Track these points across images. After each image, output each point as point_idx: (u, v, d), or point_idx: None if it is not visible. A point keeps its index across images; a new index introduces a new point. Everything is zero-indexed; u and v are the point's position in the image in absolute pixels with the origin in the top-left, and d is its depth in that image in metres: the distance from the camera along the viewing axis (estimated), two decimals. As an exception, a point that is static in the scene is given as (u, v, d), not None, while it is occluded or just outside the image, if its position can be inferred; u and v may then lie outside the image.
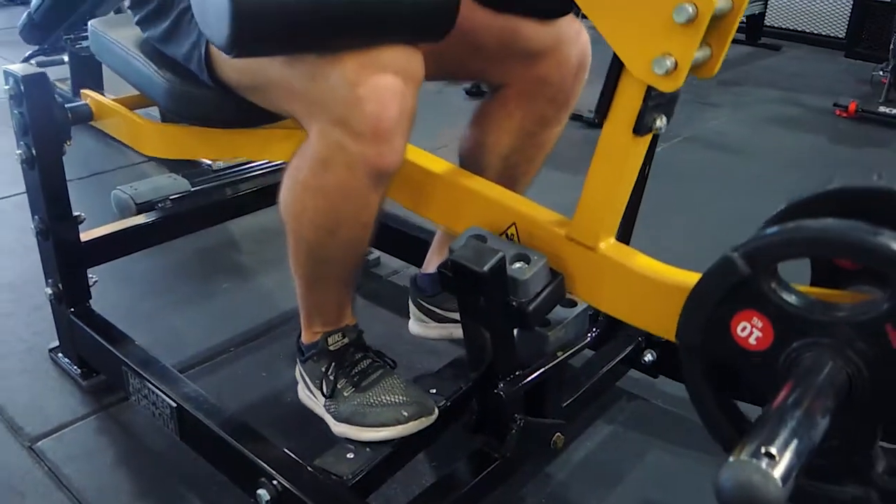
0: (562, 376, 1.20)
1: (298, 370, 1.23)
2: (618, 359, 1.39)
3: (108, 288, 1.50)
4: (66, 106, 1.28)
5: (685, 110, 3.14)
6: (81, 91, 1.36)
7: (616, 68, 0.90)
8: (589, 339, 1.23)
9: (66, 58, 2.87)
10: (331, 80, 0.91)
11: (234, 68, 1.06)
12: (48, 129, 1.25)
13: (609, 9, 0.86)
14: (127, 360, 1.27)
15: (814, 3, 4.77)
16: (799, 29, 4.84)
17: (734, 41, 3.40)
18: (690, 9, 0.80)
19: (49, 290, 1.39)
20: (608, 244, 1.01)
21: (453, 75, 1.25)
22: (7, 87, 1.24)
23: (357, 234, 1.05)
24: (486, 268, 0.92)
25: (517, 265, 0.98)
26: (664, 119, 0.93)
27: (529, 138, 1.24)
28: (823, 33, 4.77)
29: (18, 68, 1.23)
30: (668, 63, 0.83)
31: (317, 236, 1.04)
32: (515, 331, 1.06)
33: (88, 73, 2.73)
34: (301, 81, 0.96)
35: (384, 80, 0.90)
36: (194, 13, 0.95)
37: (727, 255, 0.81)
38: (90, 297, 1.41)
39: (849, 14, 4.55)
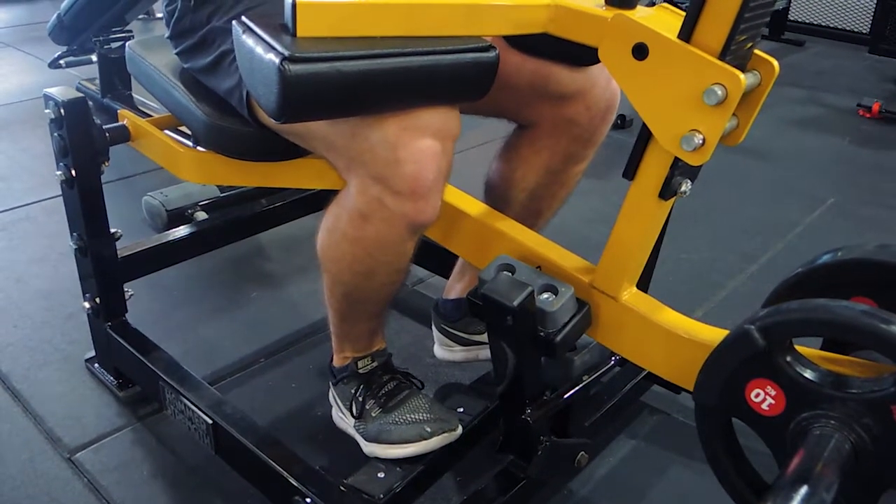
0: (587, 397, 1.22)
1: (331, 393, 1.26)
2: (641, 375, 1.41)
3: (142, 296, 1.54)
4: (104, 128, 1.31)
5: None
6: (119, 111, 1.39)
7: (645, 135, 0.93)
8: (613, 361, 1.26)
9: (94, 58, 2.91)
10: (372, 140, 0.94)
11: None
12: (87, 152, 1.28)
13: (642, 85, 0.88)
14: (163, 376, 1.31)
15: (838, -4, 4.73)
16: (823, 24, 4.80)
17: None
18: (720, 91, 0.82)
19: (87, 305, 1.43)
20: (630, 294, 1.05)
21: (483, 112, 1.28)
22: (47, 110, 1.27)
23: (393, 279, 1.10)
24: (515, 303, 0.95)
25: (545, 296, 1.01)
26: (689, 183, 0.96)
27: (555, 175, 1.27)
28: (847, 28, 4.74)
29: (59, 92, 1.26)
30: (697, 140, 0.85)
31: (354, 280, 1.08)
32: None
33: (117, 74, 2.77)
34: (342, 139, 0.99)
35: (423, 142, 0.94)
36: (242, 76, 0.97)
37: (745, 327, 0.85)
38: (126, 311, 1.45)
39: (873, 9, 4.51)
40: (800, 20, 4.78)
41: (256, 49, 0.87)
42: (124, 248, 1.45)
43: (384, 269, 1.07)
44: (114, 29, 2.76)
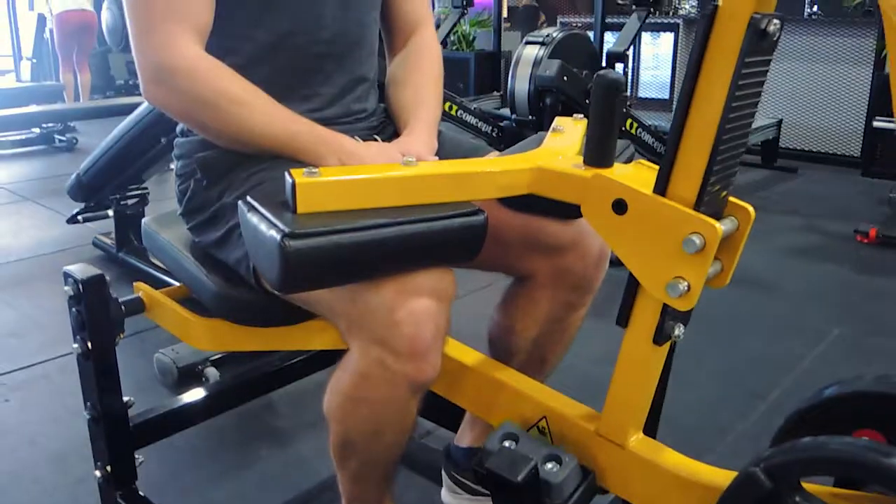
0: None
1: None
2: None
3: (152, 458, 1.54)
4: (120, 301, 1.37)
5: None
6: (134, 284, 1.44)
7: (633, 283, 0.97)
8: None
9: (110, 213, 3.03)
10: (370, 305, 0.98)
11: None
12: (104, 326, 1.33)
13: (625, 238, 0.93)
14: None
15: (827, 123, 4.91)
16: (814, 150, 4.96)
17: (750, 165, 3.60)
18: (698, 240, 0.86)
19: (98, 473, 1.44)
20: (636, 440, 1.05)
21: (480, 268, 1.33)
22: (66, 287, 1.32)
23: (399, 439, 1.11)
24: (519, 478, 0.96)
25: (549, 466, 1.02)
26: (682, 327, 0.99)
27: (557, 323, 1.30)
28: (839, 153, 4.89)
29: (78, 270, 1.31)
30: (682, 287, 0.89)
31: (362, 440, 1.10)
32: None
33: (132, 229, 2.88)
34: (342, 304, 1.03)
35: (420, 303, 0.97)
36: (247, 248, 1.03)
37: (750, 469, 0.85)
38: (136, 478, 1.46)
39: (862, 133, 4.66)
40: (791, 147, 4.94)
41: (260, 226, 0.92)
42: (136, 414, 1.47)
43: (390, 429, 1.09)
44: (130, 186, 2.89)
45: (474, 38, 7.18)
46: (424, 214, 0.96)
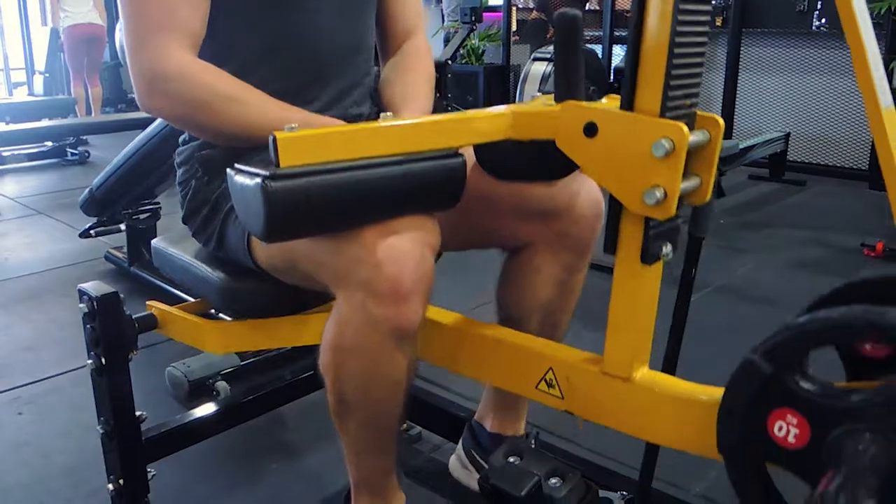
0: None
1: None
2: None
3: (163, 472, 1.57)
4: (133, 318, 1.40)
5: (714, 257, 3.22)
6: (147, 302, 1.47)
7: (616, 208, 0.99)
8: (627, 538, 1.27)
9: (122, 227, 3.06)
10: (353, 250, 1.00)
11: (269, 254, 1.19)
12: (117, 343, 1.36)
13: (598, 158, 0.96)
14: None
15: (835, 135, 4.92)
16: (822, 163, 4.97)
17: (759, 178, 3.62)
18: (667, 143, 0.89)
19: (110, 487, 1.47)
20: (642, 373, 1.05)
21: (478, 242, 1.34)
22: (81, 304, 1.35)
23: (389, 393, 1.10)
24: (523, 493, 0.99)
25: (553, 481, 1.04)
26: (669, 246, 1.01)
27: (561, 286, 1.31)
28: (847, 166, 4.89)
29: (93, 288, 1.35)
30: (658, 194, 0.91)
31: (354, 396, 1.10)
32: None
33: (144, 244, 2.91)
34: (327, 255, 1.05)
35: (401, 243, 0.99)
36: (236, 210, 1.03)
37: (747, 357, 0.84)
38: (148, 492, 1.48)
39: (870, 146, 4.67)
40: (799, 160, 4.95)
41: (246, 182, 0.94)
42: (149, 428, 1.50)
43: (379, 384, 1.08)
44: (143, 201, 2.93)
45: (483, 52, 7.23)
46: (404, 158, 0.98)
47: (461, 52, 6.48)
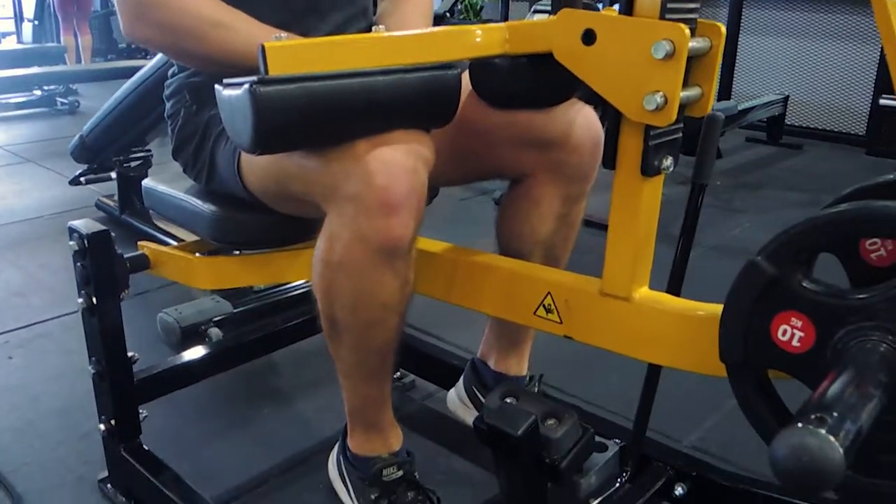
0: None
1: (340, 469, 1.27)
2: (649, 493, 1.41)
3: (155, 413, 1.56)
4: (124, 257, 1.38)
5: (709, 216, 3.21)
6: (139, 243, 1.45)
7: (614, 119, 0.97)
8: (619, 484, 1.27)
9: (113, 175, 3.03)
10: (344, 163, 0.98)
11: (260, 177, 1.17)
12: (108, 282, 1.34)
13: (598, 66, 0.93)
14: (175, 499, 1.32)
15: (833, 100, 4.88)
16: (820, 127, 4.94)
17: (756, 141, 3.61)
18: (668, 45, 0.87)
19: (102, 427, 1.46)
20: (642, 293, 1.04)
21: (476, 174, 1.32)
22: (71, 242, 1.33)
23: (377, 316, 1.08)
24: (520, 431, 0.98)
25: (549, 422, 1.04)
26: (670, 159, 0.99)
27: (561, 219, 1.29)
28: (844, 130, 4.87)
29: (83, 225, 1.32)
30: (658, 98, 0.89)
31: (342, 314, 1.08)
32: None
33: (135, 191, 2.88)
34: (317, 169, 1.03)
35: (393, 155, 0.97)
36: (225, 126, 1.01)
37: (750, 259, 0.82)
38: (140, 433, 1.48)
39: (868, 112, 4.64)
40: (797, 124, 4.92)
41: (234, 93, 0.92)
42: (140, 370, 1.49)
43: (365, 301, 1.06)
44: (133, 148, 2.89)
45: (482, 7, 7.12)
46: (396, 69, 0.95)
47: (459, 6, 6.39)
